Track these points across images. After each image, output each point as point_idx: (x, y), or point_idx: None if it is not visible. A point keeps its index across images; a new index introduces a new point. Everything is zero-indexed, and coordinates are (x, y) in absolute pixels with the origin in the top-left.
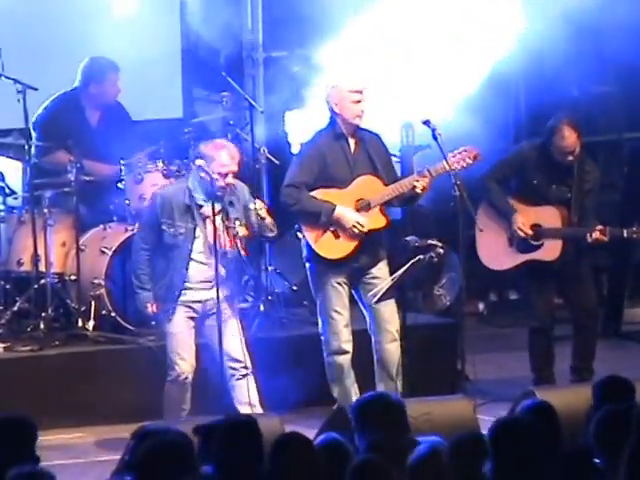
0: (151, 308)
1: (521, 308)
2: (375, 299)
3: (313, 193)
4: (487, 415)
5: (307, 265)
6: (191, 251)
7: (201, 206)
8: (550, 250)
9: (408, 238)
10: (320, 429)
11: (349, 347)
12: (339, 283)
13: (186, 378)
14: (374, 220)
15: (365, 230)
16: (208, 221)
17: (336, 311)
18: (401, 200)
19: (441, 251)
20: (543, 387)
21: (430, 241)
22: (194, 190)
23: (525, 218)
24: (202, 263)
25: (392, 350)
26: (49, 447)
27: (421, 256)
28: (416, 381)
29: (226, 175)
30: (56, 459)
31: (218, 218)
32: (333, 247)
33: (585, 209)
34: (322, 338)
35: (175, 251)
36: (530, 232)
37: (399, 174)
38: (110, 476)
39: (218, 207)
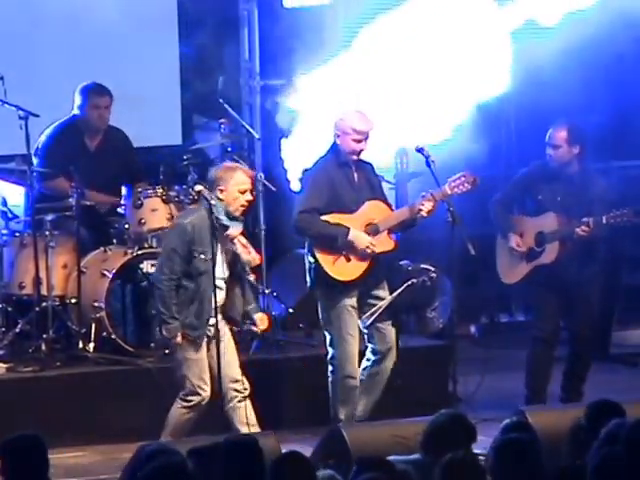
0: (179, 338)
1: (512, 330)
2: (369, 321)
3: (324, 218)
4: (478, 435)
5: (317, 290)
6: (214, 276)
7: (227, 227)
8: (549, 253)
9: (402, 262)
10: (315, 448)
11: (359, 371)
12: (352, 307)
13: (204, 402)
14: (383, 243)
15: (377, 251)
16: (236, 241)
17: (351, 335)
18: (403, 226)
19: (434, 275)
20: (534, 407)
21: (423, 265)
22: (218, 213)
23: (530, 229)
24: (219, 288)
25: (388, 370)
26: (50, 466)
27: (414, 280)
28: (409, 402)
29: (245, 192)
30: (56, 478)
31: (242, 237)
32: (345, 270)
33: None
34: (332, 361)
35: (204, 276)
36: (523, 249)
37: (394, 201)
38: None
39: (241, 226)
